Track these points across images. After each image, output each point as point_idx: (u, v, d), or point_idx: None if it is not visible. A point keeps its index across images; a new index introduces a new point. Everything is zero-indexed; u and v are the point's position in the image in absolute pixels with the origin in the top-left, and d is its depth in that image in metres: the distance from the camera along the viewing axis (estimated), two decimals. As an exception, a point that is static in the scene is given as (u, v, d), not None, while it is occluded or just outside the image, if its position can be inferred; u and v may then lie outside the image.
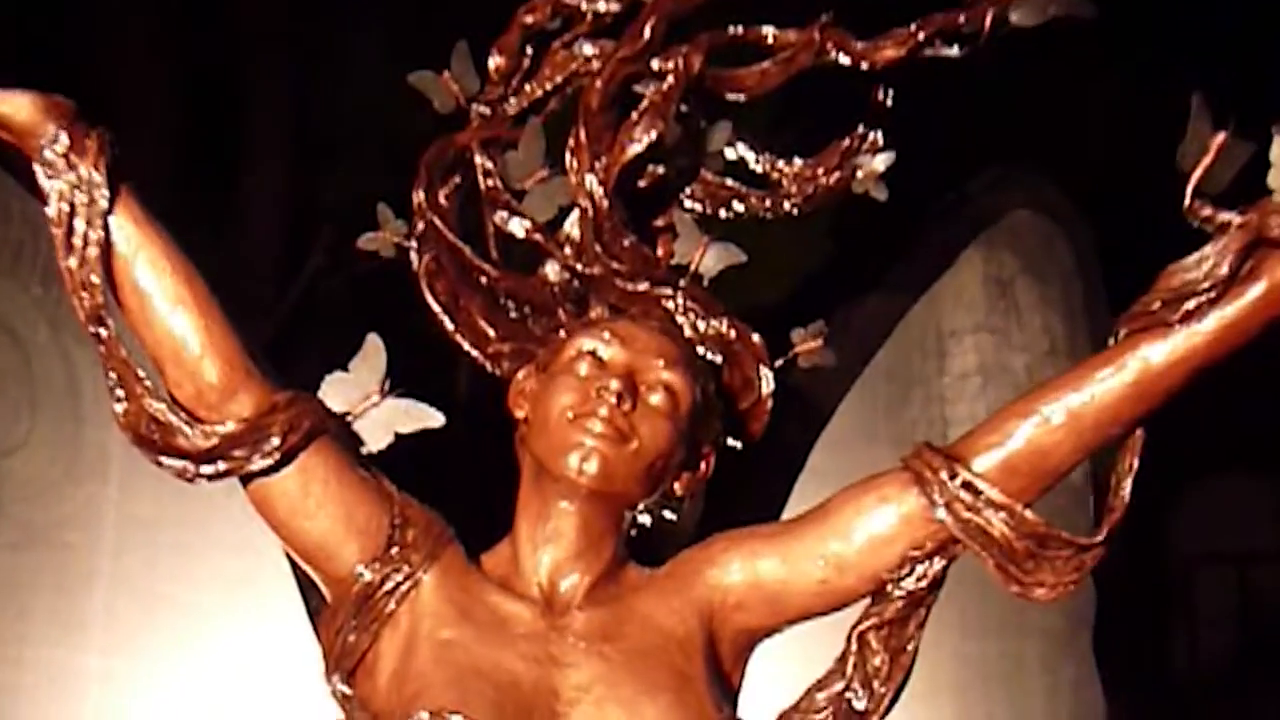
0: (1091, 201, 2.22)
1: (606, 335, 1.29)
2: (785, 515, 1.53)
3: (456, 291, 1.42)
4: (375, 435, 1.25)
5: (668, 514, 1.32)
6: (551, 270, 1.44)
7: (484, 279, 1.41)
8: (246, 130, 3.64)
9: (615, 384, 1.24)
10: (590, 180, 1.36)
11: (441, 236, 1.40)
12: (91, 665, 1.58)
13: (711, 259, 1.41)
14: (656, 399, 1.27)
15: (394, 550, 1.21)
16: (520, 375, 1.34)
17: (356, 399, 1.26)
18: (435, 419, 1.27)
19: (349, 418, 1.26)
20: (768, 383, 1.37)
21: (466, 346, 1.43)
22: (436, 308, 1.43)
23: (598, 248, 1.38)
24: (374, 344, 1.27)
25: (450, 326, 1.43)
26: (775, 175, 1.46)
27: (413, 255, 1.44)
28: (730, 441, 1.38)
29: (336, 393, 1.25)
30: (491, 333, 1.41)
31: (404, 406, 1.26)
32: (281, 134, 3.64)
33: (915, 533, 1.23)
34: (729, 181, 1.45)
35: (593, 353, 1.28)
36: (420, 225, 1.42)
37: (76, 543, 1.64)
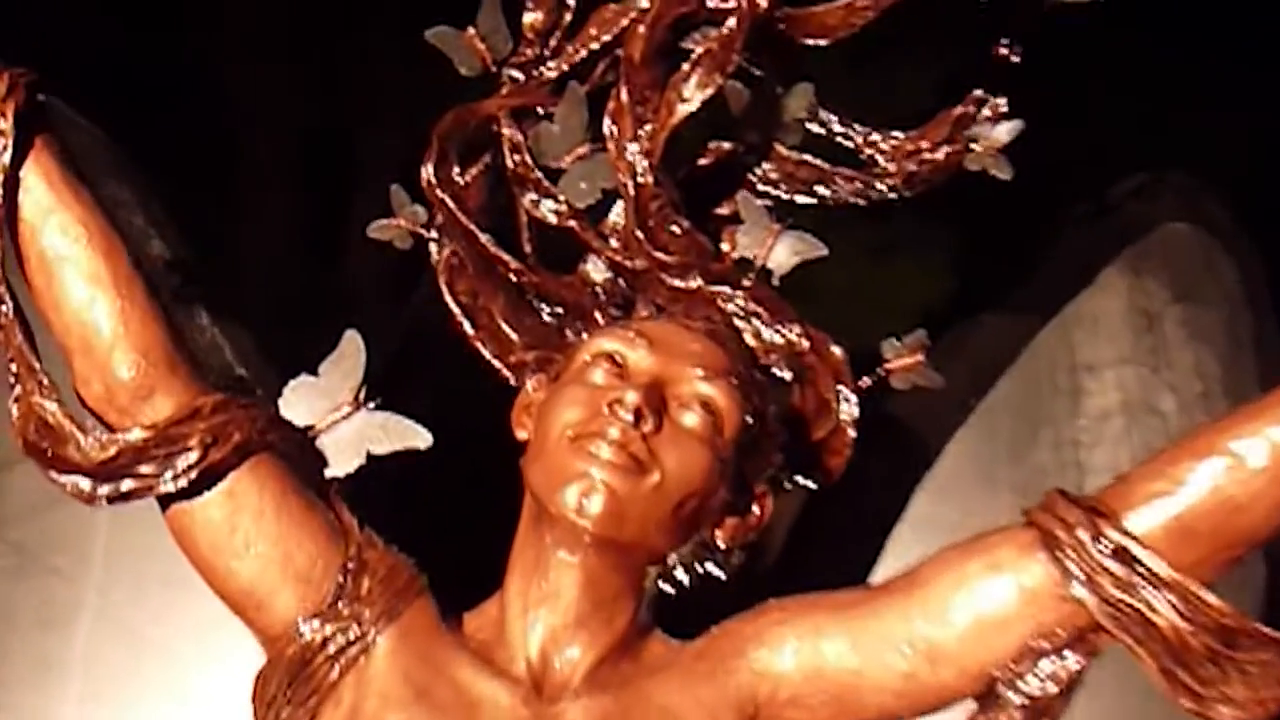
0: (1260, 216, 1.83)
1: (632, 335, 0.99)
2: (877, 579, 1.21)
3: (477, 289, 1.15)
4: (343, 455, 0.97)
5: (711, 569, 1.01)
6: (593, 267, 1.16)
7: (510, 275, 1.13)
8: (359, 162, 3.50)
9: (632, 395, 0.93)
10: (632, 150, 1.08)
11: (456, 222, 1.12)
12: (68, 715, 1.35)
13: (784, 252, 1.11)
14: (691, 419, 0.96)
15: (341, 604, 0.92)
16: (529, 385, 1.05)
17: (323, 410, 0.98)
18: (420, 438, 0.99)
19: (312, 432, 0.98)
20: (849, 407, 1.05)
21: (487, 354, 1.15)
22: (455, 309, 1.16)
23: (640, 234, 1.08)
24: (351, 342, 1.00)
25: (470, 331, 1.15)
26: (869, 151, 1.14)
27: (432, 247, 1.18)
28: (800, 480, 1.07)
29: (300, 401, 0.98)
30: (515, 338, 1.13)
31: (381, 421, 0.98)
32: (391, 166, 3.48)
33: (1042, 615, 0.88)
34: (810, 159, 1.15)
35: (612, 356, 0.98)
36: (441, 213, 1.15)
37: (64, 567, 1.41)
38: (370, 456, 0.97)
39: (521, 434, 1.01)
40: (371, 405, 0.98)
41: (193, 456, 0.90)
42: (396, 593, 0.93)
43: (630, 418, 0.93)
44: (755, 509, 1.00)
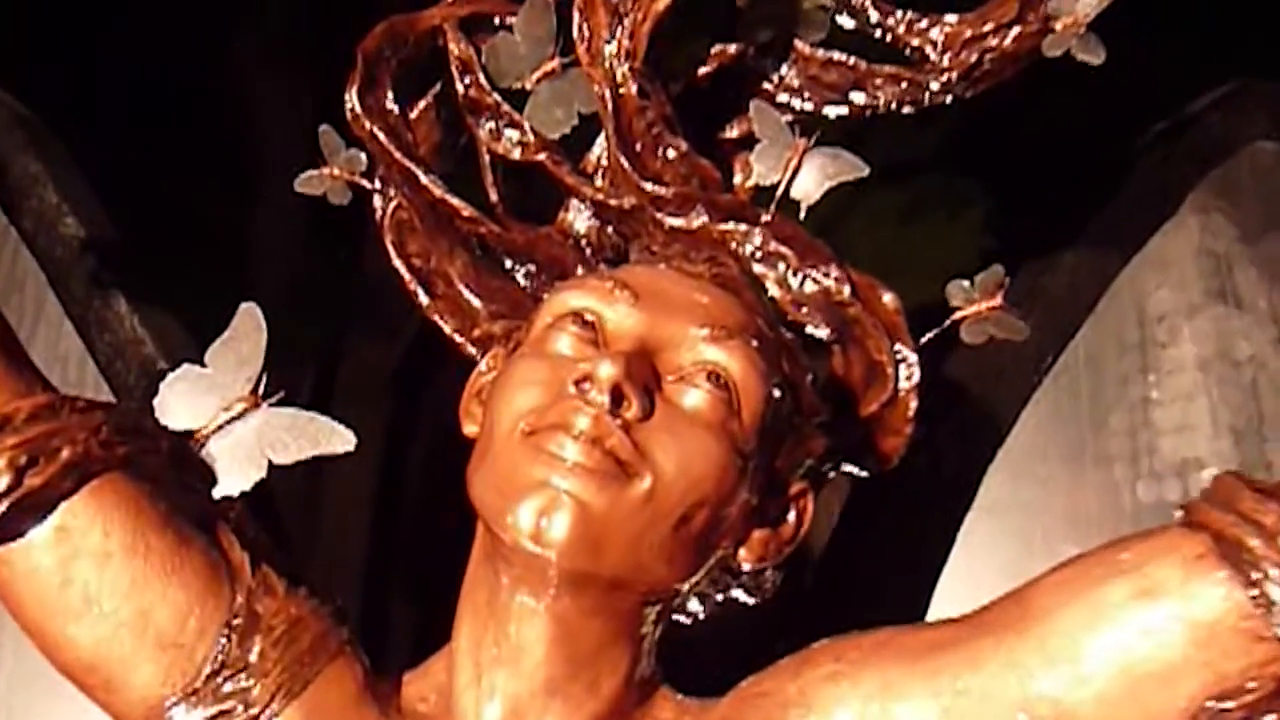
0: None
1: (610, 285, 0.70)
2: (945, 593, 0.93)
3: (430, 249, 0.88)
4: (237, 467, 0.70)
5: (738, 596, 0.73)
6: (575, 215, 0.88)
7: (469, 228, 0.86)
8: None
9: (608, 368, 0.65)
10: (609, 51, 0.80)
11: (393, 162, 0.85)
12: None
13: (812, 176, 0.83)
14: (695, 398, 0.68)
15: (223, 677, 0.65)
16: (482, 363, 0.78)
17: (210, 408, 0.71)
18: (341, 440, 0.72)
19: (196, 438, 0.71)
20: (908, 370, 0.77)
21: (447, 329, 0.88)
22: (406, 273, 0.89)
23: (625, 161, 0.81)
24: (248, 318, 0.73)
25: (424, 300, 0.88)
26: (915, 42, 0.86)
27: (376, 201, 0.91)
28: (847, 469, 0.79)
29: (179, 399, 0.71)
30: (479, 306, 0.85)
31: (288, 420, 0.71)
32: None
33: (1224, 662, 0.59)
34: (839, 57, 0.86)
35: (581, 315, 0.70)
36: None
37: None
38: (273, 467, 0.70)
39: (470, 429, 0.74)
40: (274, 400, 0.72)
41: (2, 482, 0.63)
42: (301, 657, 0.66)
43: (606, 399, 0.65)
44: (791, 515, 0.72)
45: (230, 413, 0.71)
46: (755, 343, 0.69)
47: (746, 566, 0.70)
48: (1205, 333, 1.74)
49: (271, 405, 0.71)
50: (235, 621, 0.66)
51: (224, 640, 0.66)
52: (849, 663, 0.66)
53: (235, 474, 0.70)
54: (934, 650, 0.65)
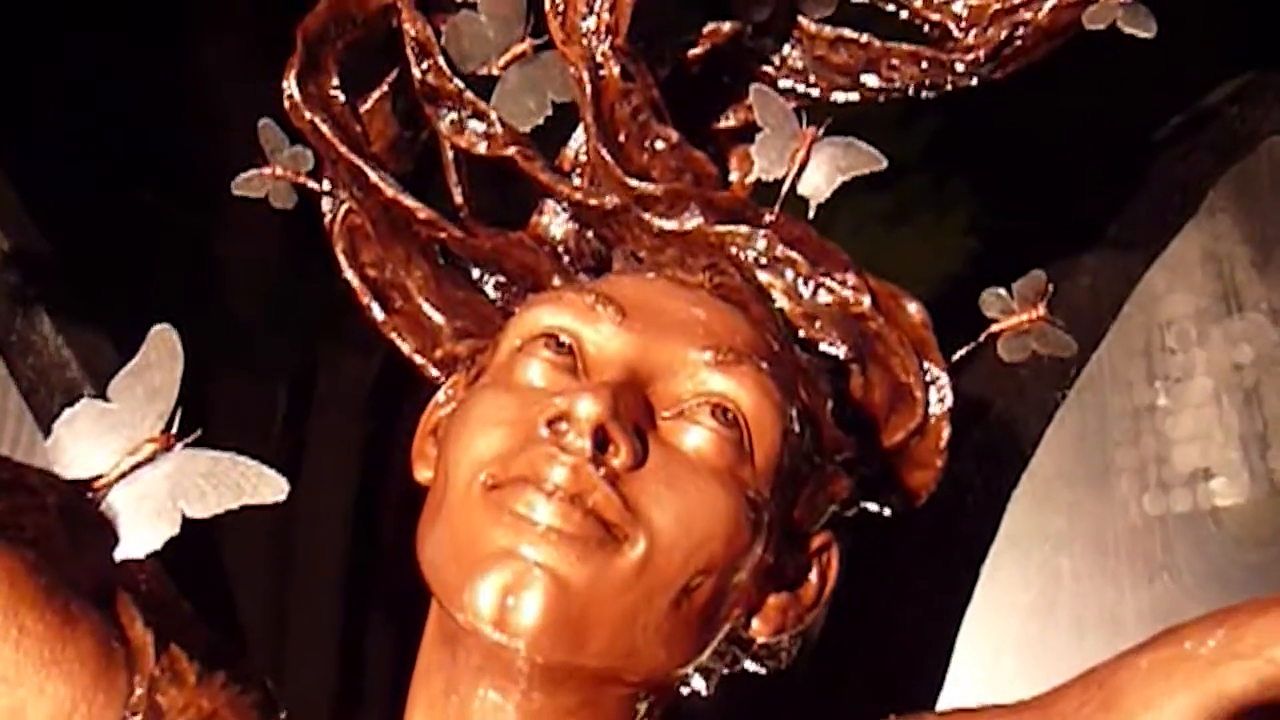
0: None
1: (591, 299, 0.58)
2: (968, 637, 0.81)
3: (386, 258, 0.75)
4: (143, 521, 0.57)
5: (753, 668, 0.60)
6: (550, 218, 0.76)
7: (428, 233, 0.74)
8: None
9: (589, 405, 0.52)
10: (586, 27, 0.68)
11: (339, 157, 0.72)
12: None
13: (822, 169, 0.70)
14: (697, 437, 0.55)
15: None
16: (440, 394, 0.65)
17: (114, 452, 0.58)
18: (271, 488, 0.59)
19: (94, 489, 0.58)
20: (939, 392, 0.65)
21: (404, 348, 0.75)
22: (359, 285, 0.76)
23: (606, 155, 0.68)
24: (162, 343, 0.60)
25: (379, 315, 0.75)
26: (935, 17, 0.74)
27: (324, 204, 0.78)
28: (870, 508, 0.66)
29: (75, 441, 0.58)
30: (442, 323, 0.73)
31: (207, 465, 0.58)
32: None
33: None
34: (850, 34, 0.74)
35: (556, 336, 0.57)
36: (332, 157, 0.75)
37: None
38: (186, 521, 0.58)
39: (423, 474, 0.61)
40: (189, 440, 0.59)
41: None
42: None
43: (587, 444, 0.51)
44: (813, 574, 0.59)
45: (137, 456, 0.58)
46: (767, 367, 0.56)
47: (761, 640, 0.58)
48: (1213, 338, 1.64)
49: (187, 446, 0.59)
50: (131, 716, 0.53)
51: None
52: None
53: (142, 530, 0.57)
54: None
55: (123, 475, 0.58)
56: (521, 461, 0.53)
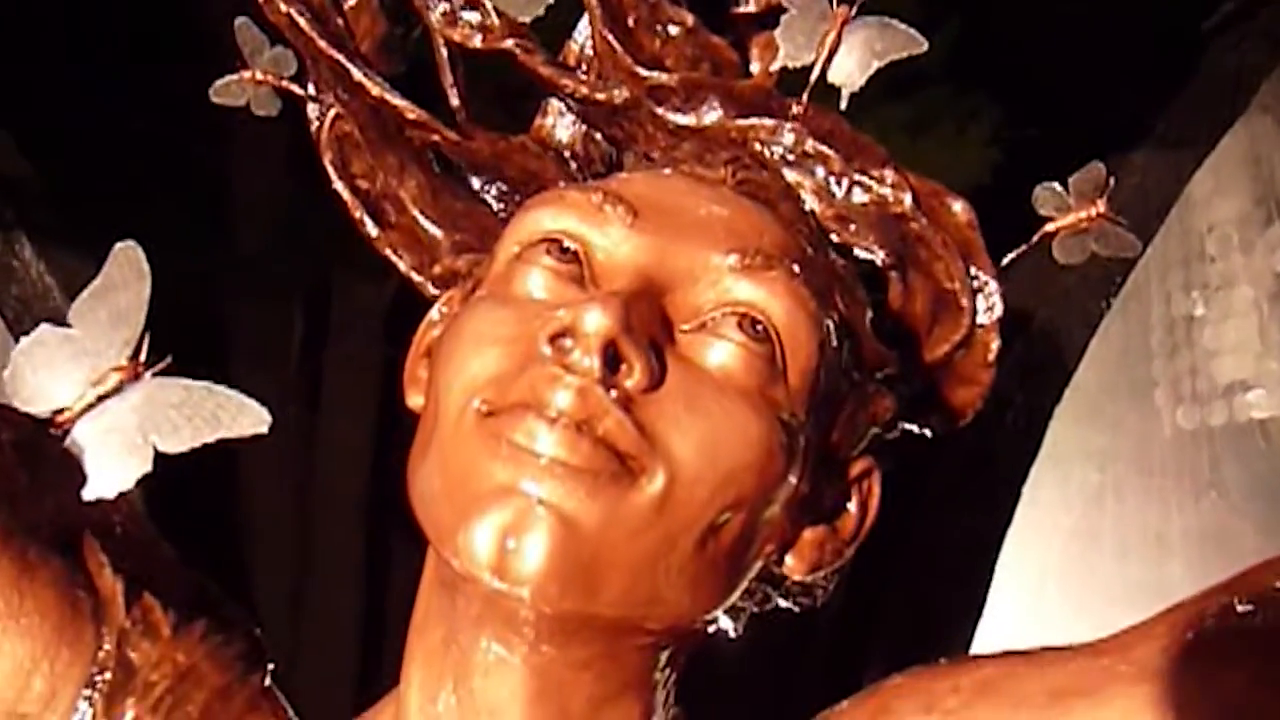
0: None
1: (599, 198, 0.51)
2: (1009, 560, 0.76)
3: (379, 168, 0.68)
4: (111, 458, 0.51)
5: (786, 604, 0.54)
6: (556, 120, 0.68)
7: (423, 137, 0.66)
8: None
9: (598, 318, 0.45)
10: (587, -102, 0.59)
11: (320, 54, 0.65)
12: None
13: (855, 54, 0.62)
14: (721, 353, 0.48)
15: None
16: (434, 311, 0.59)
17: (76, 383, 0.52)
18: (252, 419, 0.53)
19: (56, 423, 0.52)
20: (990, 301, 0.58)
21: (401, 265, 0.68)
22: (350, 198, 0.70)
23: (614, 42, 0.61)
24: (126, 262, 0.54)
25: (373, 231, 0.69)
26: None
27: (310, 110, 0.71)
28: (911, 428, 0.60)
29: (35, 371, 0.52)
30: (440, 236, 0.66)
31: (180, 395, 0.52)
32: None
33: None
34: (883, -98, 0.66)
35: (559, 241, 0.50)
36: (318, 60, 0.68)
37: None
38: (160, 456, 0.52)
39: (415, 400, 0.55)
40: (159, 368, 0.53)
41: None
42: (197, 711, 0.48)
43: (596, 363, 0.45)
44: (852, 504, 0.53)
45: (102, 387, 0.52)
46: (800, 272, 0.49)
47: (796, 577, 0.52)
48: (1255, 244, 1.55)
49: (156, 375, 0.53)
50: (101, 678, 0.47)
51: (84, 705, 0.47)
52: (945, 713, 0.47)
53: (110, 468, 0.51)
54: (1060, 700, 0.46)
55: (88, 408, 0.52)
56: (521, 384, 0.46)
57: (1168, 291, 1.47)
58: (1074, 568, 0.93)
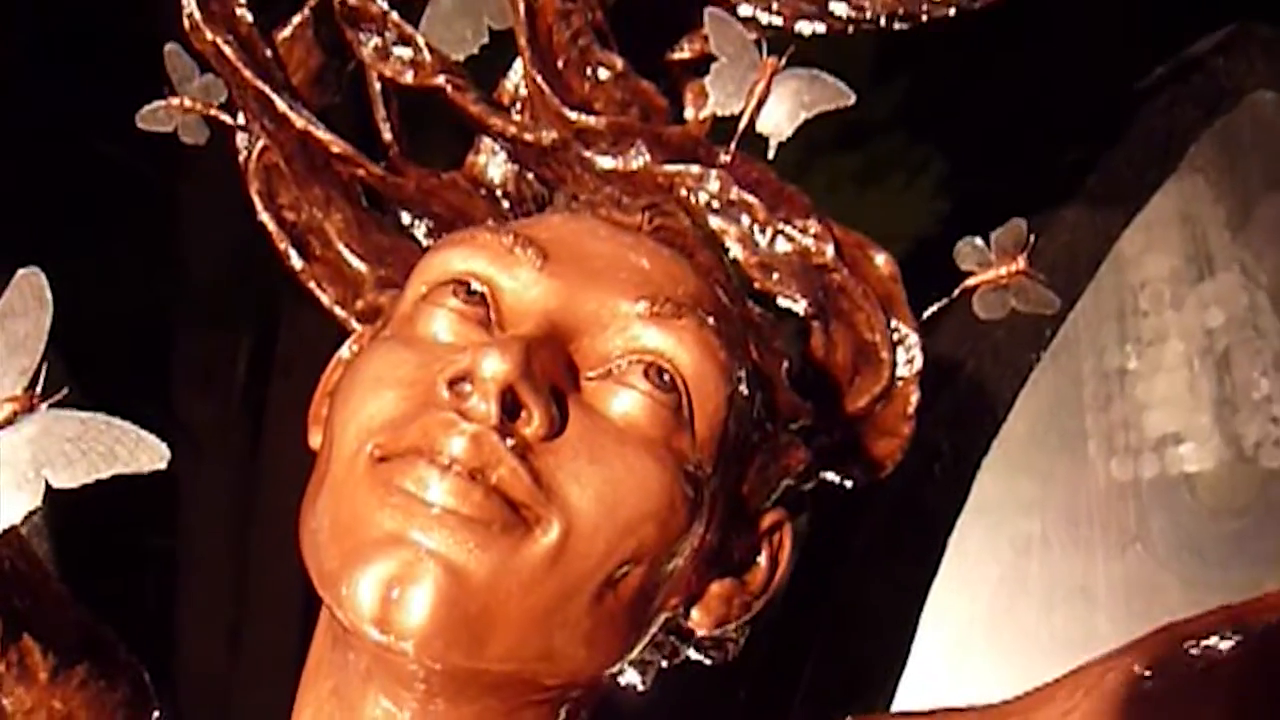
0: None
1: (509, 240, 0.49)
2: (934, 611, 0.75)
3: (305, 199, 0.67)
4: (4, 491, 0.49)
5: (697, 657, 0.53)
6: (487, 158, 0.68)
7: (348, 170, 0.65)
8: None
9: (495, 363, 0.44)
10: (520, -60, 0.59)
11: (246, 86, 0.64)
12: None
13: (784, 105, 0.62)
14: (625, 403, 0.47)
15: None
16: (344, 349, 0.57)
17: (-34, 413, 0.50)
18: (150, 454, 0.51)
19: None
20: (910, 354, 0.58)
21: (324, 299, 0.67)
22: (274, 229, 0.68)
23: (544, 84, 0.60)
24: (28, 286, 0.52)
25: (297, 263, 0.67)
26: (911, -62, 0.65)
27: (239, 140, 0.70)
28: (830, 478, 0.59)
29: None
30: (364, 270, 0.65)
31: (78, 427, 0.50)
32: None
33: None
34: (817, -44, 0.66)
35: (466, 283, 0.49)
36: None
37: None
38: (50, 490, 0.50)
39: (315, 440, 0.53)
40: (55, 399, 0.51)
41: None
42: None
43: (493, 409, 0.43)
44: (762, 557, 0.51)
45: (-2, 414, 0.50)
46: (712, 321, 0.48)
47: (702, 632, 0.50)
48: (1185, 300, 1.58)
49: (53, 406, 0.51)
50: None
51: None
52: None
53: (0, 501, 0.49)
54: None
55: (-23, 438, 0.50)
56: (415, 429, 0.44)
57: (1102, 344, 1.49)
58: (1000, 619, 0.93)
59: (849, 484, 0.60)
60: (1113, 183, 1.16)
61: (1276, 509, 1.17)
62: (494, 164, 0.68)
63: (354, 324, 0.65)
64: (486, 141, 0.68)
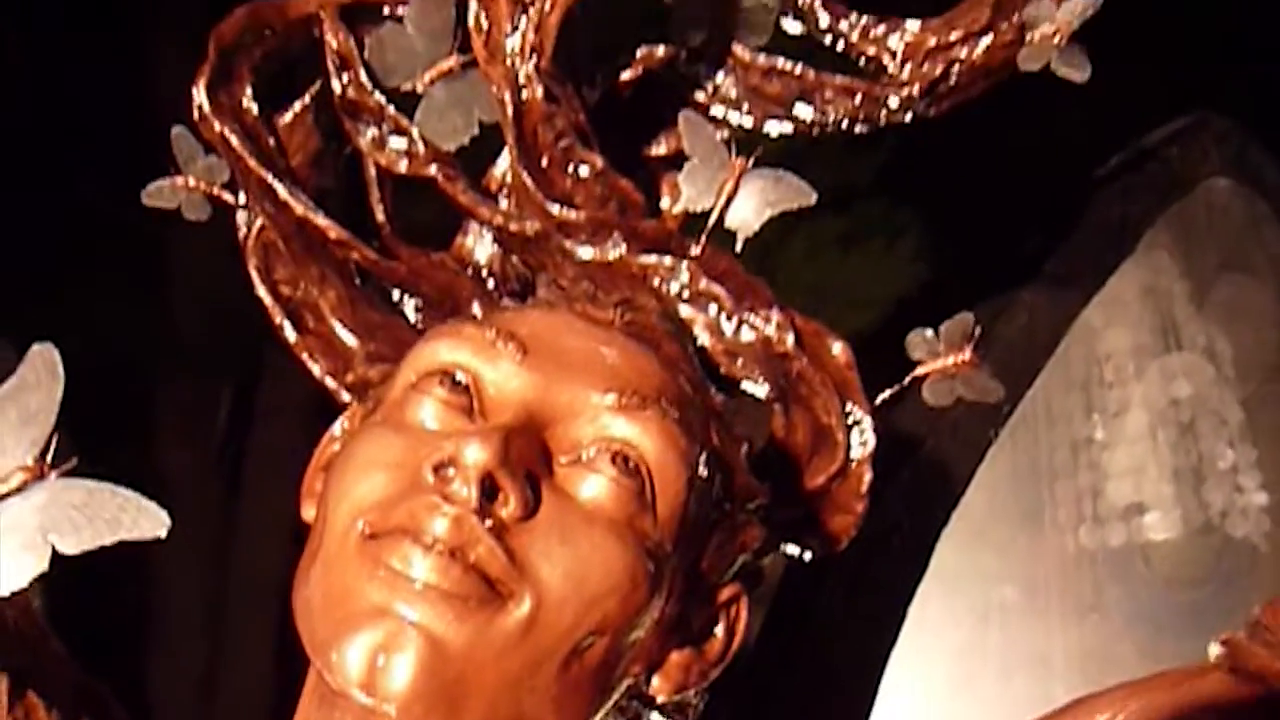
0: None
1: (492, 335, 0.54)
2: (894, 679, 0.79)
3: (300, 276, 0.71)
4: (12, 556, 0.53)
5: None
6: (474, 240, 0.72)
7: (342, 251, 0.70)
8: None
9: (477, 450, 0.49)
10: (511, 46, 0.64)
11: (249, 173, 0.68)
12: None
13: (750, 202, 0.68)
14: (593, 488, 0.52)
15: None
16: (337, 425, 0.61)
17: (-22, 484, 0.54)
18: (151, 522, 0.55)
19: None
20: (862, 436, 0.62)
21: (316, 370, 0.71)
22: (270, 303, 0.72)
23: (527, 179, 0.65)
24: (42, 360, 0.56)
25: (291, 336, 0.71)
26: (871, 50, 0.71)
27: (239, 218, 0.74)
28: (790, 551, 0.63)
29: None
30: (355, 345, 0.69)
31: (83, 496, 0.54)
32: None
33: None
34: (785, 65, 0.71)
35: (452, 374, 0.54)
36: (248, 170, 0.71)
37: None
38: (58, 557, 0.53)
39: (309, 513, 0.57)
40: (64, 469, 0.54)
41: None
42: None
43: (473, 493, 0.48)
44: (719, 628, 0.56)
45: (5, 486, 0.54)
46: (676, 412, 0.53)
47: (662, 698, 0.54)
48: (1150, 373, 1.63)
49: (62, 475, 0.54)
50: None
51: None
52: None
53: (7, 564, 0.52)
54: None
55: (-16, 513, 0.53)
56: (402, 511, 0.49)
57: (1070, 413, 1.54)
58: (959, 686, 0.96)
59: (808, 556, 0.64)
60: (1071, 264, 1.22)
61: (1233, 580, 1.21)
62: (481, 246, 0.73)
63: (343, 394, 0.69)
64: (474, 224, 0.72)
